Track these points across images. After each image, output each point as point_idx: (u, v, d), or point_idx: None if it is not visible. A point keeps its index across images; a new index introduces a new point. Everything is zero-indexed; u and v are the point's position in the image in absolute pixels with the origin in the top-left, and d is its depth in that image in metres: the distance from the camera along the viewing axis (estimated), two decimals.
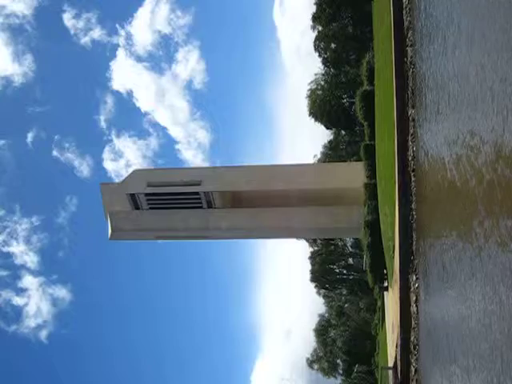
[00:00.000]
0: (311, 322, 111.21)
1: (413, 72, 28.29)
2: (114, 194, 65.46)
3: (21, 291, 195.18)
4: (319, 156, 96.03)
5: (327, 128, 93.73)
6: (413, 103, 28.14)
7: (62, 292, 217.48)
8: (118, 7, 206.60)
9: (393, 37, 32.41)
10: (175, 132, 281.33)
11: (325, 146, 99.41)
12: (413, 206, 28.20)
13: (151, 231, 66.53)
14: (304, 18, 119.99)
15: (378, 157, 50.41)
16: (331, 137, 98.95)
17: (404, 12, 30.97)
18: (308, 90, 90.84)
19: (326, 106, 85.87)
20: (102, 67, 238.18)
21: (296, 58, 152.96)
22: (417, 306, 26.82)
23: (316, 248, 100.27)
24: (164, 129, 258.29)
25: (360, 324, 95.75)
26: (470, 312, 15.00)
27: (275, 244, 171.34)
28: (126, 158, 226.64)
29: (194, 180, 63.99)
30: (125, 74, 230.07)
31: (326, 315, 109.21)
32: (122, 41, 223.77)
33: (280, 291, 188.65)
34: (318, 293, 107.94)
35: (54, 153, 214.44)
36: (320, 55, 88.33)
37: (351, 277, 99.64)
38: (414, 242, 27.45)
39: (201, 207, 64.73)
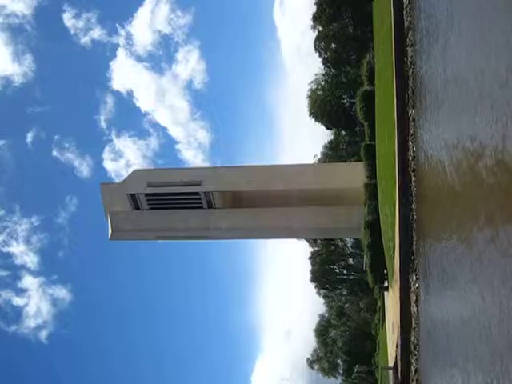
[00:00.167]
0: (311, 322, 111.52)
1: (413, 72, 28.25)
2: (114, 194, 65.48)
3: (21, 291, 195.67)
4: (319, 156, 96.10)
5: (327, 128, 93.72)
6: (413, 103, 28.11)
7: (61, 292, 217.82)
8: (118, 7, 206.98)
9: (393, 37, 32.41)
10: (175, 132, 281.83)
11: (325, 146, 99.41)
12: (413, 206, 28.16)
13: (151, 231, 66.52)
14: (304, 18, 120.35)
15: (378, 157, 50.39)
16: (331, 137, 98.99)
17: (404, 12, 30.94)
18: (308, 90, 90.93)
19: (327, 106, 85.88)
20: (102, 67, 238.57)
21: (296, 58, 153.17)
22: (417, 306, 26.78)
23: (316, 248, 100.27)
24: (164, 129, 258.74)
25: (360, 324, 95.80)
26: (470, 313, 14.99)
27: (275, 244, 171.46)
28: (126, 158, 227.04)
29: (194, 180, 64.01)
30: (125, 74, 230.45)
31: (327, 315, 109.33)
32: (122, 41, 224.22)
33: (280, 291, 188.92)
34: (318, 293, 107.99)
35: (54, 153, 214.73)
36: (320, 55, 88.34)
37: (351, 277, 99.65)
38: (414, 242, 27.41)
39: (201, 207, 64.74)
